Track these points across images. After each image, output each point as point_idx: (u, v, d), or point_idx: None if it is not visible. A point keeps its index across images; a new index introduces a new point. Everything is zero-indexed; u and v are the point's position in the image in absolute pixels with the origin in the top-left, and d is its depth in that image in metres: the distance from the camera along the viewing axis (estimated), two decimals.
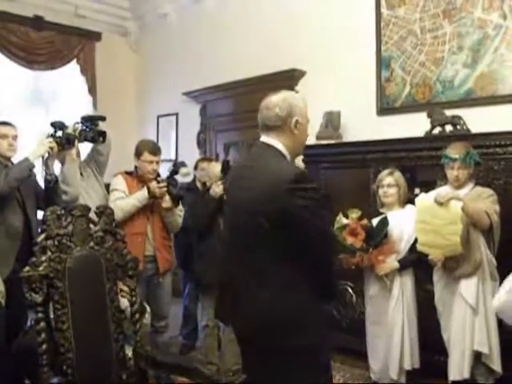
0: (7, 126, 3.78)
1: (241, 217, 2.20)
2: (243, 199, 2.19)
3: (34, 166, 3.60)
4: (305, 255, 2.11)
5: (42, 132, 3.70)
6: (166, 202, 3.90)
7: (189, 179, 4.63)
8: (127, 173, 4.06)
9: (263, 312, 2.10)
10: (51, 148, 3.61)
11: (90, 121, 3.86)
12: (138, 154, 3.96)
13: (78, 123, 3.83)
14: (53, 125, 3.80)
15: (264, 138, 2.27)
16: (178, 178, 4.14)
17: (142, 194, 3.85)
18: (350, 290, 4.58)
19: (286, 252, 2.10)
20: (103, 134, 3.86)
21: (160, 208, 3.94)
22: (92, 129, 3.82)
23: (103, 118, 3.96)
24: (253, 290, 2.14)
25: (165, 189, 3.88)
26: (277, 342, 2.09)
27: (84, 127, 3.82)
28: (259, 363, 2.15)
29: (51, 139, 3.62)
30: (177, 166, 4.08)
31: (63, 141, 3.69)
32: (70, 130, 3.77)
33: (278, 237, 2.08)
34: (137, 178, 3.98)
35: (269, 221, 2.06)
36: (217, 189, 3.96)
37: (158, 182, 3.89)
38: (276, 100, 2.24)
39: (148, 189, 3.85)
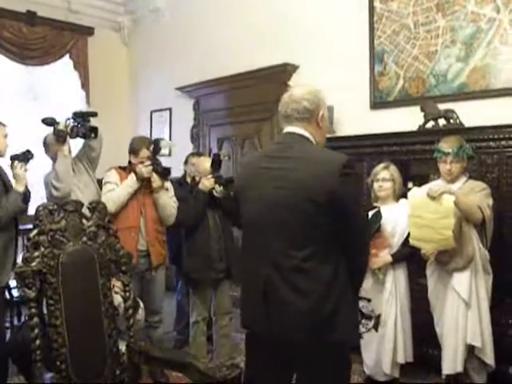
0: None
1: (280, 210, 2.10)
2: (283, 191, 2.10)
3: (24, 194, 3.60)
4: (349, 247, 2.12)
5: (7, 164, 3.65)
6: (155, 180, 3.91)
7: (166, 152, 4.56)
8: (121, 168, 4.05)
9: (309, 307, 2.05)
10: (26, 170, 3.62)
11: (81, 117, 3.85)
12: (136, 151, 3.96)
13: (69, 119, 3.82)
14: (44, 121, 3.79)
15: (291, 129, 2.23)
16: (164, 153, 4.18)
17: (130, 180, 3.88)
18: None
19: (330, 244, 2.08)
20: (95, 129, 3.86)
21: (152, 195, 3.95)
22: (84, 125, 3.82)
23: (95, 114, 3.95)
24: (294, 285, 2.07)
25: (150, 167, 3.88)
26: (320, 336, 2.07)
27: (76, 123, 3.82)
28: (300, 362, 2.14)
29: (18, 164, 3.58)
30: (157, 144, 4.05)
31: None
32: (61, 127, 3.77)
33: (325, 227, 2.05)
34: (130, 172, 3.97)
35: (319, 209, 2.02)
36: (206, 182, 3.95)
37: (142, 163, 3.90)
38: (302, 93, 2.23)
39: (135, 173, 3.87)
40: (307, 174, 2.06)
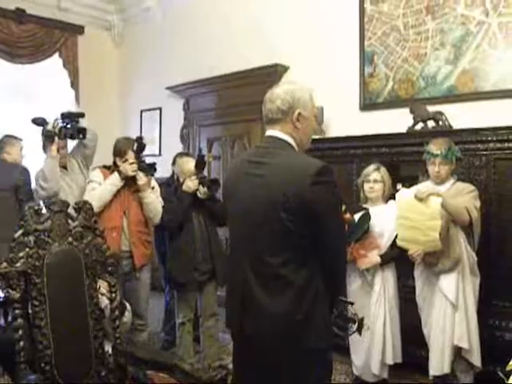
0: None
1: (256, 217, 2.09)
2: (260, 197, 2.08)
3: None
4: (323, 253, 2.08)
5: None
6: (141, 178, 3.87)
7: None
8: (105, 167, 4.02)
9: (282, 313, 2.04)
10: None
11: (69, 117, 3.83)
12: (121, 153, 3.91)
13: (57, 120, 3.80)
14: (34, 121, 3.77)
15: (270, 132, 2.20)
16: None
17: (113, 177, 3.85)
18: None
19: (306, 250, 2.05)
20: (83, 130, 3.84)
21: (137, 196, 3.91)
22: (72, 126, 3.80)
23: (82, 115, 3.93)
24: (270, 290, 2.06)
25: (135, 165, 3.85)
26: (296, 342, 2.05)
27: (64, 124, 3.80)
28: (273, 364, 2.10)
29: None
30: (140, 142, 4.00)
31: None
32: (49, 127, 3.76)
33: (299, 234, 2.02)
34: (113, 172, 3.94)
35: (291, 217, 2.00)
36: (190, 183, 3.91)
37: (126, 161, 3.87)
38: (279, 92, 2.17)
39: (119, 172, 3.84)
40: (280, 181, 2.03)
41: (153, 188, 3.99)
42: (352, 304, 2.67)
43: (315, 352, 2.10)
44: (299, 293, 2.04)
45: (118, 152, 3.93)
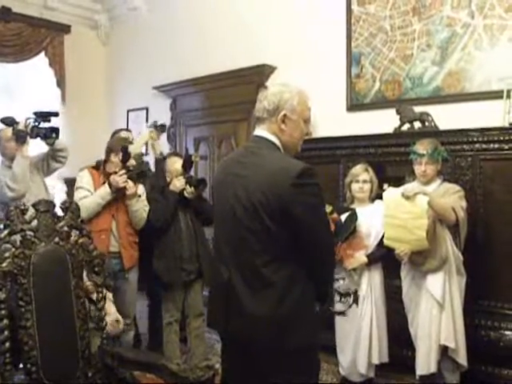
0: None
1: (239, 217, 2.10)
2: (241, 197, 2.09)
3: None
4: (307, 253, 2.08)
5: None
6: (130, 188, 3.82)
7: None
8: (94, 167, 3.97)
9: (264, 313, 2.04)
10: None
11: (41, 116, 3.75)
12: (116, 150, 3.86)
13: (29, 119, 3.72)
14: (3, 121, 3.69)
15: (258, 131, 2.21)
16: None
17: (104, 191, 3.78)
18: None
19: (288, 250, 2.05)
20: (56, 130, 3.74)
21: (125, 201, 3.87)
22: (44, 125, 3.72)
23: (56, 114, 3.84)
24: (253, 290, 2.06)
25: (125, 176, 3.80)
26: (278, 342, 2.05)
27: (36, 123, 3.72)
28: (258, 364, 2.10)
29: None
30: (127, 150, 3.97)
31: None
32: (21, 126, 3.67)
33: (281, 234, 2.03)
34: (103, 173, 3.90)
35: (272, 218, 2.00)
36: (177, 183, 3.90)
37: (116, 173, 3.80)
38: (268, 92, 2.18)
39: (109, 184, 3.78)
40: (261, 181, 2.04)
41: (139, 196, 3.93)
42: (344, 279, 2.71)
43: (299, 352, 2.10)
44: (282, 293, 2.05)
45: (112, 147, 3.89)
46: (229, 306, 2.13)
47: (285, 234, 2.03)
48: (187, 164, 3.97)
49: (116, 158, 3.86)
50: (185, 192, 3.92)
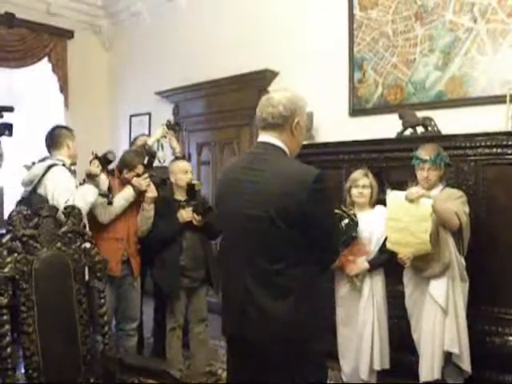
0: None
1: (253, 224, 2.09)
2: (254, 204, 2.08)
3: None
4: (319, 254, 2.12)
5: None
6: (152, 191, 3.85)
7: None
8: (108, 172, 3.94)
9: (281, 321, 2.05)
10: None
11: None
12: (131, 167, 3.88)
13: None
14: None
15: (265, 138, 2.20)
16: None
17: (128, 193, 3.81)
18: None
19: (303, 256, 2.07)
20: (9, 126, 3.51)
21: (138, 209, 3.89)
22: None
23: (11, 109, 3.70)
24: (273, 296, 2.07)
25: (148, 180, 3.84)
26: (296, 349, 2.07)
27: None
28: (273, 369, 2.10)
29: None
30: (151, 155, 4.03)
31: None
32: None
33: (296, 240, 2.04)
34: (118, 178, 3.93)
35: (288, 223, 2.01)
36: (185, 214, 3.84)
37: (139, 176, 3.83)
38: (280, 98, 2.17)
39: (132, 186, 3.80)
40: (277, 188, 2.04)
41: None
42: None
43: (314, 355, 2.12)
44: (299, 296, 2.06)
45: (126, 166, 3.90)
46: (245, 311, 2.12)
47: (300, 238, 2.04)
48: (190, 192, 3.91)
49: (129, 175, 3.87)
50: (193, 220, 3.84)
